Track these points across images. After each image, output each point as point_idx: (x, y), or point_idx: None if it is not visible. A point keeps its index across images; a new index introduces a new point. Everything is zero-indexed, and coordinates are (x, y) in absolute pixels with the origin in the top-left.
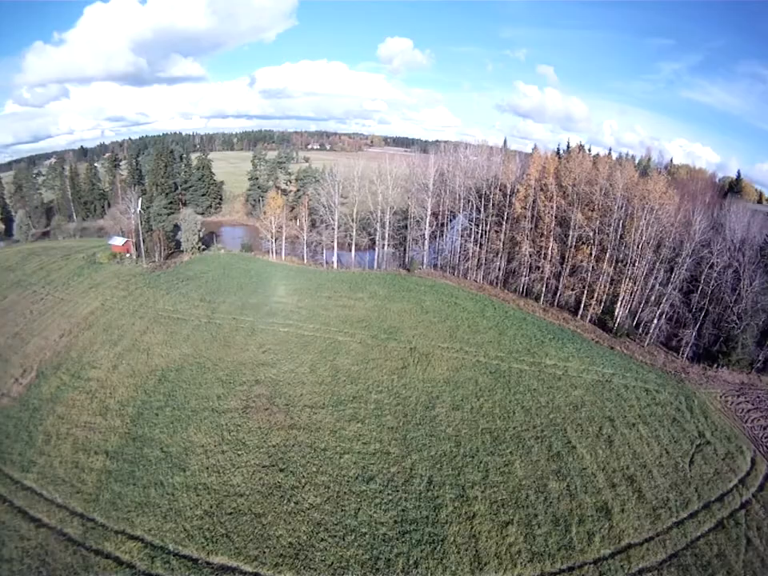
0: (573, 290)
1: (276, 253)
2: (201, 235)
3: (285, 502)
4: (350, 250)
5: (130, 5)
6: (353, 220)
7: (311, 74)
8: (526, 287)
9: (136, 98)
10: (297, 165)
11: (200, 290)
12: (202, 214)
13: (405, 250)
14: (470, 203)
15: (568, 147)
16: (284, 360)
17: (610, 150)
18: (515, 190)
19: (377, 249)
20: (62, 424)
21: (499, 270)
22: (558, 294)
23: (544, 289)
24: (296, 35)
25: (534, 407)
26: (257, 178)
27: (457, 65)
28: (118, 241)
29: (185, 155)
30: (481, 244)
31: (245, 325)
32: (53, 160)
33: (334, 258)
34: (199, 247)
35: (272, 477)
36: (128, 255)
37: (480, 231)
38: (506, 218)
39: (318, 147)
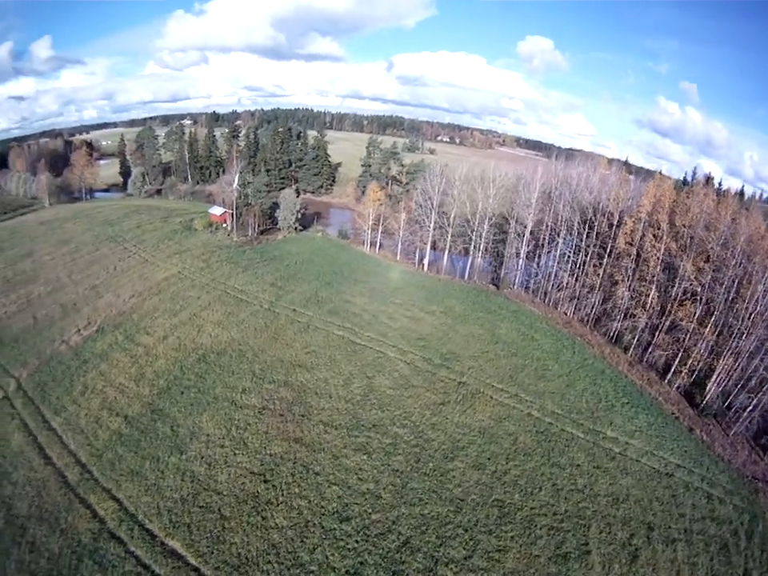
0: (665, 350)
1: (371, 245)
2: (299, 215)
3: (254, 513)
4: (445, 253)
5: None
6: (449, 224)
7: (449, 65)
8: (616, 333)
9: (274, 70)
10: (419, 155)
11: (277, 272)
12: (312, 192)
13: (501, 263)
14: (573, 228)
15: (694, 176)
16: (322, 366)
17: (743, 187)
18: (622, 221)
19: (470, 257)
20: (99, 380)
21: (592, 308)
22: (650, 350)
23: (635, 341)
24: (435, 24)
25: (567, 488)
26: (369, 165)
27: (597, 71)
28: (217, 210)
29: (303, 133)
30: (577, 276)
31: (302, 319)
32: (187, 121)
33: (425, 261)
34: (296, 227)
35: (254, 485)
36: (224, 225)
37: (579, 261)
38: (608, 251)
39: (448, 140)
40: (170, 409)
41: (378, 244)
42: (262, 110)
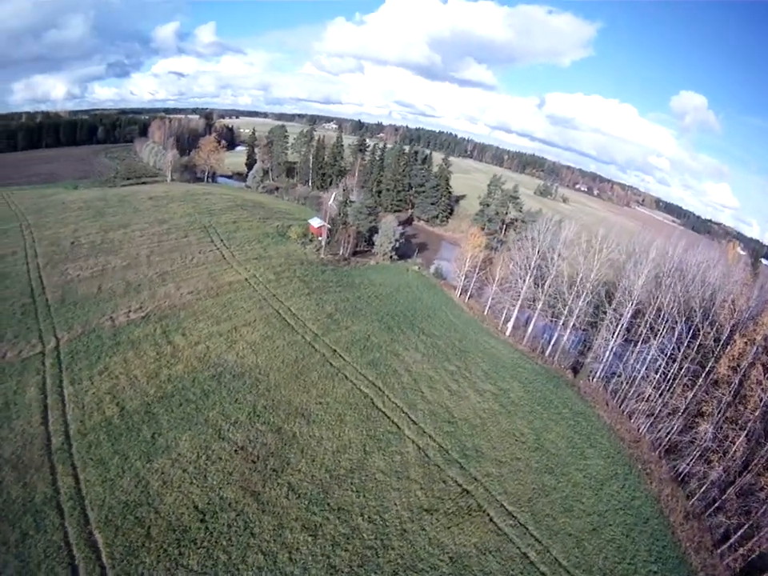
0: (729, 518)
1: (462, 291)
2: (396, 244)
3: (174, 545)
4: (531, 318)
5: (432, 1)
6: (542, 291)
7: (601, 111)
8: (684, 474)
9: (427, 90)
10: (550, 201)
11: (342, 302)
12: (427, 221)
13: (589, 347)
14: (675, 331)
15: None
16: (326, 423)
17: None
18: (732, 339)
19: (557, 333)
20: (120, 366)
21: (669, 433)
22: (713, 507)
23: (701, 491)
24: (591, 66)
25: None
26: (487, 205)
27: (749, 138)
28: (316, 222)
29: (428, 158)
30: (662, 391)
31: (336, 363)
32: (333, 124)
33: (510, 324)
34: (391, 256)
35: (190, 520)
36: (319, 239)
37: (669, 373)
38: (706, 371)
39: (585, 190)
40: (162, 416)
41: (469, 293)
42: (407, 127)
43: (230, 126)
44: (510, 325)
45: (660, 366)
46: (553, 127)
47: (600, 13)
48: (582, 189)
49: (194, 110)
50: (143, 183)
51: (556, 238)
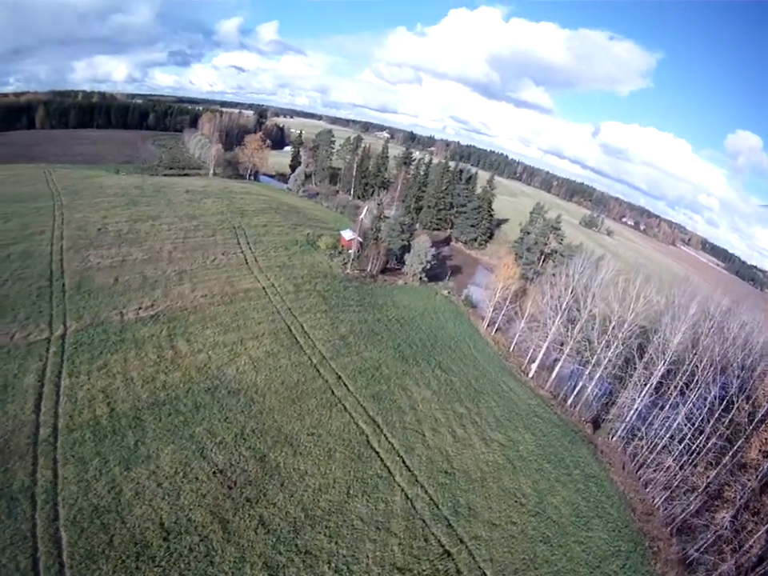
0: None
1: (489, 323)
2: (427, 266)
3: (132, 559)
4: (558, 361)
5: (494, 19)
6: (571, 335)
7: (655, 144)
8: (693, 560)
9: (483, 107)
10: (595, 233)
11: (359, 324)
12: (465, 243)
13: (614, 402)
14: (707, 399)
15: None
16: (313, 457)
17: None
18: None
19: (581, 381)
20: (119, 364)
21: (684, 510)
22: None
23: None
24: (648, 97)
25: None
26: (528, 233)
27: None
28: (347, 234)
29: (473, 178)
30: (683, 464)
31: (338, 392)
32: (386, 133)
33: (534, 365)
34: (421, 277)
35: (152, 536)
36: (349, 252)
37: (694, 447)
38: (733, 450)
39: (632, 224)
40: (149, 424)
41: (497, 325)
42: (458, 143)
43: (281, 126)
44: (534, 366)
45: (685, 436)
46: (605, 156)
47: (661, 43)
48: (629, 223)
49: (250, 106)
50: (185, 175)
51: (592, 278)
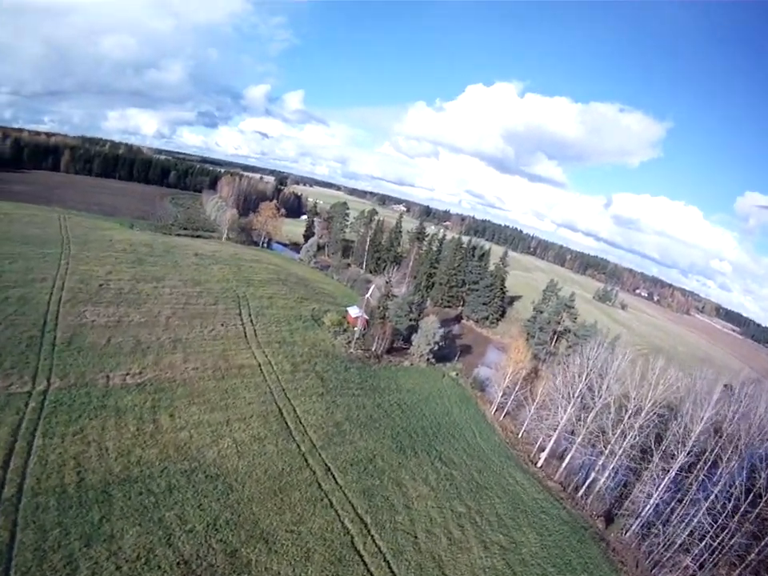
0: None
1: (497, 408)
2: (434, 347)
3: None
4: (569, 450)
5: (509, 94)
6: (584, 425)
7: (666, 213)
8: None
9: (497, 181)
10: (609, 308)
11: (357, 410)
12: (477, 322)
13: (628, 494)
14: (733, 491)
15: None
16: (289, 559)
17: None
18: None
19: (593, 473)
20: (96, 432)
21: None
22: None
23: None
24: (659, 167)
25: None
26: (541, 312)
27: None
28: (354, 311)
29: (486, 255)
30: (702, 564)
31: (325, 486)
32: (402, 207)
33: (543, 454)
34: (428, 358)
35: None
36: (355, 329)
37: (715, 545)
38: (758, 548)
39: (645, 295)
40: (117, 501)
41: (506, 410)
42: (473, 217)
43: (299, 194)
44: (543, 455)
45: (707, 532)
46: (617, 228)
47: (670, 111)
48: (643, 294)
49: (272, 172)
50: (198, 236)
51: (607, 364)
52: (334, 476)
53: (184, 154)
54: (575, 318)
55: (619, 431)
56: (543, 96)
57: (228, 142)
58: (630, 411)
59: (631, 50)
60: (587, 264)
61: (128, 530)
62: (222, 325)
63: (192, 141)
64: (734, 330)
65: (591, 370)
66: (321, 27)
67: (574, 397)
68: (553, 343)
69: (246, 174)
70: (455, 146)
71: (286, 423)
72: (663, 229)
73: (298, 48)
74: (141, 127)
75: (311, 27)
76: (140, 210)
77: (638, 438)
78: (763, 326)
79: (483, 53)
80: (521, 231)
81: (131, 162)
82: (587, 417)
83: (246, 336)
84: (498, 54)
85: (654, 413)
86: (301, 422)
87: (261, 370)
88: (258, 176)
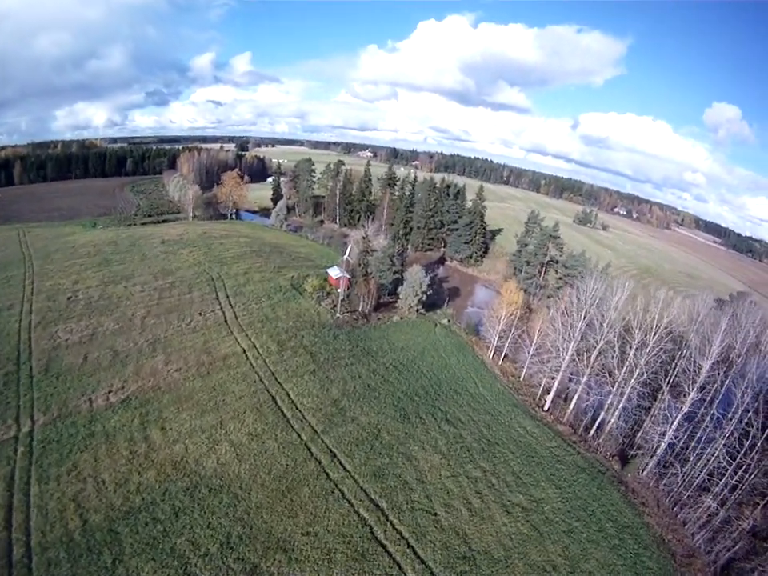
0: None
1: (496, 352)
2: (423, 297)
3: None
4: (575, 397)
5: (462, 27)
6: (587, 364)
7: (635, 129)
8: None
9: (461, 115)
10: (591, 230)
11: (354, 381)
12: (461, 261)
13: (640, 426)
14: (748, 433)
15: None
16: (308, 561)
17: None
18: None
19: (603, 412)
20: (90, 464)
21: (728, 550)
22: None
23: None
24: (624, 84)
25: None
26: (526, 245)
27: None
28: (335, 272)
29: (461, 193)
30: (724, 501)
31: (333, 474)
32: (368, 153)
33: (549, 398)
34: (418, 309)
35: None
36: (339, 291)
37: (734, 481)
38: None
39: (624, 213)
40: (126, 537)
41: (504, 353)
42: (442, 153)
43: (262, 156)
44: (549, 397)
45: (725, 470)
46: (587, 148)
47: (629, 28)
48: (621, 212)
49: (231, 138)
50: (163, 221)
51: (605, 299)
52: (341, 462)
53: (140, 137)
54: (561, 248)
55: (625, 368)
56: (498, 24)
57: (182, 117)
58: (635, 347)
59: None
60: (563, 187)
61: (143, 567)
62: (200, 314)
63: (145, 123)
64: (715, 242)
65: (590, 306)
66: None
67: (574, 337)
68: (541, 276)
69: (205, 146)
70: (414, 85)
71: (282, 412)
72: (633, 145)
73: (237, 11)
74: (91, 120)
75: None
76: (100, 206)
77: (645, 374)
78: (743, 235)
79: None
80: (491, 162)
81: (84, 158)
82: (590, 356)
83: (226, 321)
84: None
85: (660, 347)
86: (297, 408)
87: (246, 356)
88: (218, 146)
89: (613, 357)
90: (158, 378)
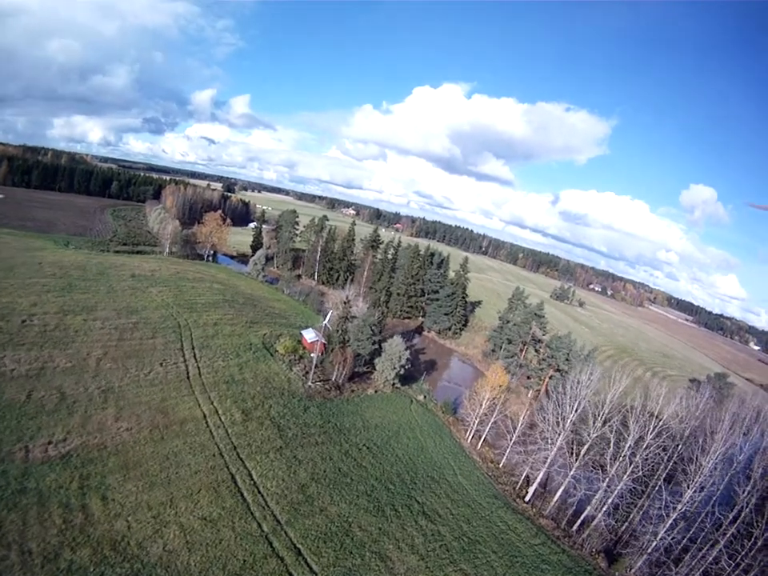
0: None
1: (474, 435)
2: (400, 371)
3: None
4: (559, 484)
5: (455, 96)
6: (576, 457)
7: (613, 208)
8: None
9: (445, 182)
10: (568, 306)
11: (325, 464)
12: (438, 333)
13: (628, 524)
14: (752, 535)
15: None
16: None
17: None
18: None
19: (588, 507)
20: (17, 529)
21: None
22: None
23: None
24: (605, 164)
25: None
26: (508, 321)
27: (756, 226)
28: (309, 334)
29: (444, 263)
30: None
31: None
32: (351, 210)
33: (531, 489)
34: (394, 383)
35: None
36: (312, 356)
37: None
38: None
39: (599, 290)
40: None
41: (483, 438)
42: (424, 219)
43: (247, 201)
44: (532, 489)
45: (725, 572)
46: (565, 223)
47: (614, 110)
48: (596, 289)
49: (219, 178)
50: (138, 252)
51: (600, 396)
52: (306, 561)
53: (130, 161)
54: (545, 327)
55: (617, 463)
56: (490, 97)
57: (175, 149)
58: (629, 443)
59: (576, 50)
60: (539, 261)
61: None
62: (161, 365)
63: (138, 148)
64: (687, 320)
65: (583, 399)
66: (267, 30)
67: (564, 429)
68: (522, 354)
69: (192, 181)
70: (403, 148)
71: (242, 495)
72: (611, 223)
73: (244, 51)
74: (87, 134)
75: (258, 30)
76: (77, 225)
77: (640, 470)
78: (714, 312)
79: (430, 54)
80: (471, 231)
81: (71, 172)
82: (580, 449)
83: (188, 377)
84: (445, 55)
85: (657, 445)
86: (259, 491)
87: (207, 423)
88: (205, 183)
89: (605, 451)
90: (106, 436)
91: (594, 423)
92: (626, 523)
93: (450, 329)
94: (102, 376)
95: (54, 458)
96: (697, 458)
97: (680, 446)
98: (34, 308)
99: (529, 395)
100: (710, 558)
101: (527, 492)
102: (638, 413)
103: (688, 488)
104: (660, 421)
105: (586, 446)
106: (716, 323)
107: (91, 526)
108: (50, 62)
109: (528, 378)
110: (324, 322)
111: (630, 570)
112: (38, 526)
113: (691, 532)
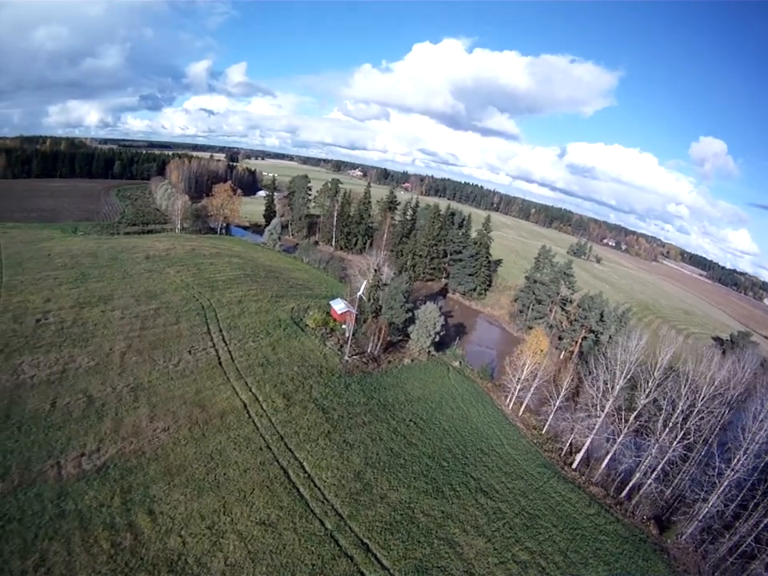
0: None
1: (515, 401)
2: (436, 338)
3: None
4: (607, 457)
5: (456, 51)
6: (625, 423)
7: (621, 161)
8: None
9: (450, 138)
10: (586, 262)
11: (376, 445)
12: (463, 294)
13: (680, 497)
14: None
15: None
16: None
17: None
18: None
19: (637, 471)
20: (60, 560)
21: None
22: None
23: None
24: (613, 116)
25: None
26: (535, 281)
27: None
28: (339, 305)
29: (466, 221)
30: None
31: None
32: (358, 171)
33: (578, 456)
34: (429, 351)
35: None
36: (343, 327)
37: None
38: None
39: (613, 245)
40: None
41: (524, 404)
42: (432, 177)
43: (253, 170)
44: (578, 456)
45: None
46: (573, 177)
47: (621, 61)
48: (611, 244)
49: (222, 149)
50: (149, 232)
51: (648, 361)
52: (376, 556)
53: (131, 140)
54: (573, 287)
55: (668, 429)
56: (492, 51)
57: (174, 124)
58: (681, 407)
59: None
60: (552, 217)
61: None
62: (190, 352)
63: (137, 126)
64: (701, 275)
65: (633, 364)
66: None
67: (613, 395)
68: (552, 314)
69: (195, 154)
70: (405, 106)
71: (298, 491)
72: (619, 176)
73: (237, 19)
74: (83, 118)
75: None
76: (83, 209)
77: (692, 436)
78: (727, 267)
79: (429, 9)
80: (481, 187)
81: (71, 157)
82: (629, 415)
83: (220, 363)
84: (444, 9)
85: (709, 410)
86: (315, 484)
87: (248, 413)
88: (207, 155)
89: (655, 417)
90: (142, 440)
91: (644, 389)
92: (676, 490)
93: (474, 290)
94: (128, 372)
95: (90, 471)
96: (748, 424)
97: (731, 411)
98: (47, 304)
99: (561, 356)
100: (762, 525)
101: (574, 459)
102: (690, 377)
103: (740, 454)
104: (712, 387)
105: (635, 412)
106: (730, 278)
107: (143, 547)
108: (39, 52)
109: (560, 339)
110: (359, 293)
111: (681, 537)
112: (84, 555)
113: (739, 498)
